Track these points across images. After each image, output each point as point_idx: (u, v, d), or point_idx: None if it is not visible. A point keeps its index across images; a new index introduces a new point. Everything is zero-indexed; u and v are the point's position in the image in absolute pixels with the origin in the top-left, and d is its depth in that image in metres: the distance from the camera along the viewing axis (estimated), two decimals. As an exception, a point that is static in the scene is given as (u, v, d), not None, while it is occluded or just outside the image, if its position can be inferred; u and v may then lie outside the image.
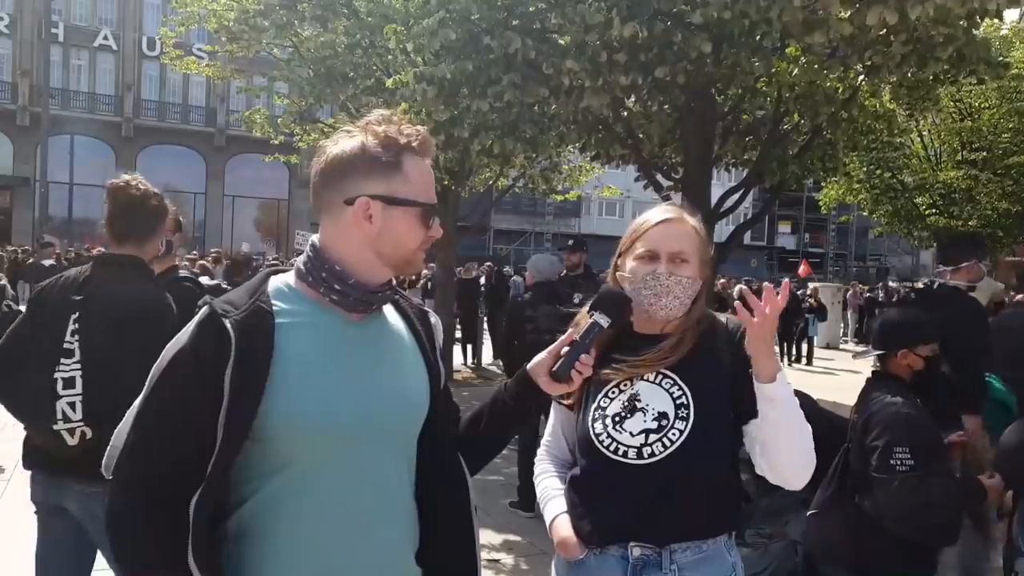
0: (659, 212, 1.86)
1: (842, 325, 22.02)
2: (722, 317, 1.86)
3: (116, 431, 1.35)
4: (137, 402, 1.33)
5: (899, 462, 2.54)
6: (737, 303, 1.66)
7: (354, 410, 1.34)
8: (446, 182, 10.30)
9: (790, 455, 1.68)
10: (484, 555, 4.87)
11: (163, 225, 2.70)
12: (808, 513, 2.94)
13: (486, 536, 5.17)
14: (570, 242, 6.47)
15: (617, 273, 1.85)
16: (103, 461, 1.35)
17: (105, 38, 32.89)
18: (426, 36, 6.61)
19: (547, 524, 1.84)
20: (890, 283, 31.02)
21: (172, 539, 1.24)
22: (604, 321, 1.61)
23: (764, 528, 3.38)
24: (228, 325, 1.27)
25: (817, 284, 20.72)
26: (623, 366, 1.77)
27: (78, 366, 2.37)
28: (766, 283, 1.74)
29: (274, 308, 1.33)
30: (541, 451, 1.99)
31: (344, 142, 1.37)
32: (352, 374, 1.36)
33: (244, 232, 34.48)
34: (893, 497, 2.55)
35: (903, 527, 2.61)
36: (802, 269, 24.49)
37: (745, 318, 1.62)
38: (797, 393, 2.74)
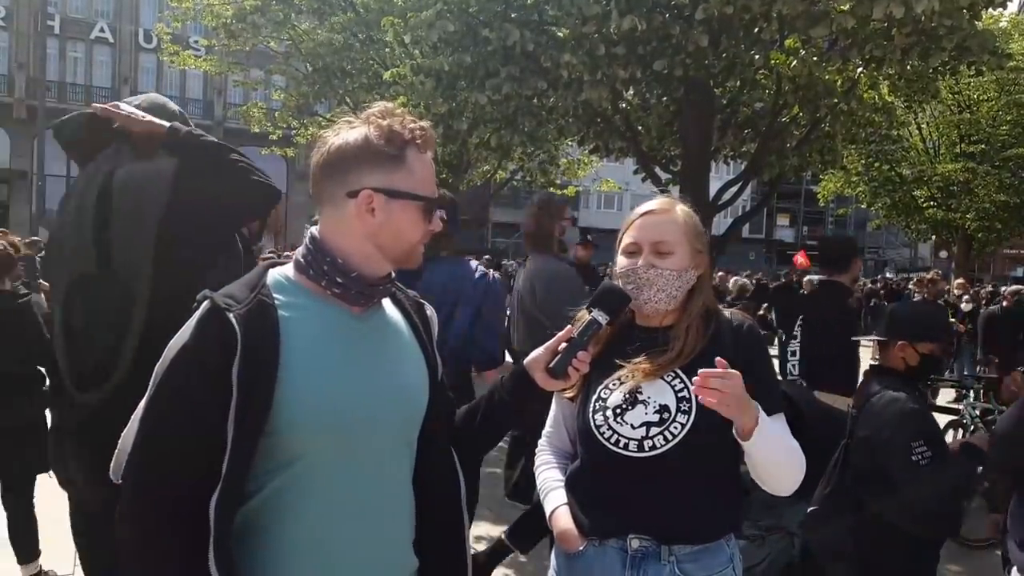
0: (646, 204, 1.86)
1: (840, 318, 21.83)
2: (727, 312, 1.85)
3: (123, 434, 1.33)
4: (142, 403, 1.30)
5: (920, 456, 2.54)
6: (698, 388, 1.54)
7: (361, 404, 1.33)
8: (444, 175, 10.28)
9: (778, 480, 1.71)
10: (482, 547, 4.88)
11: None
12: (808, 509, 2.92)
13: (485, 528, 5.18)
14: (588, 236, 6.66)
15: (612, 268, 1.86)
16: (111, 465, 1.33)
17: (102, 30, 32.71)
18: (424, 28, 6.59)
19: (547, 515, 1.84)
20: (887, 275, 31.06)
21: (184, 542, 1.21)
22: (602, 318, 1.60)
23: (761, 521, 3.37)
24: (233, 319, 1.24)
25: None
26: (628, 368, 1.75)
27: None
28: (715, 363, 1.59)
29: (276, 301, 1.30)
30: (542, 442, 1.98)
31: (347, 133, 1.35)
32: (358, 367, 1.35)
33: (242, 225, 34.41)
34: (925, 490, 2.53)
35: (935, 521, 2.63)
36: (799, 260, 22.97)
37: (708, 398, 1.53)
38: (794, 385, 2.71)
